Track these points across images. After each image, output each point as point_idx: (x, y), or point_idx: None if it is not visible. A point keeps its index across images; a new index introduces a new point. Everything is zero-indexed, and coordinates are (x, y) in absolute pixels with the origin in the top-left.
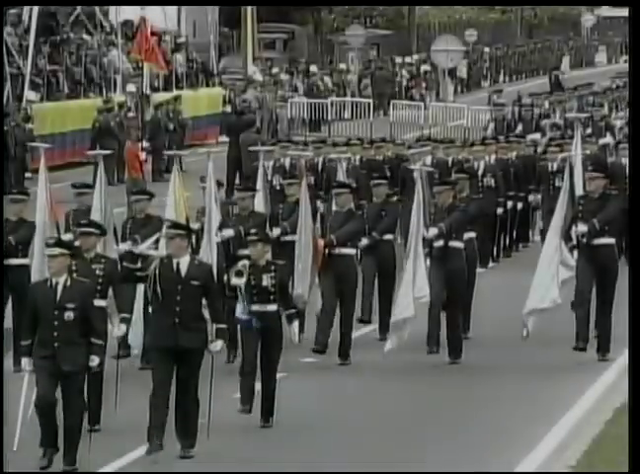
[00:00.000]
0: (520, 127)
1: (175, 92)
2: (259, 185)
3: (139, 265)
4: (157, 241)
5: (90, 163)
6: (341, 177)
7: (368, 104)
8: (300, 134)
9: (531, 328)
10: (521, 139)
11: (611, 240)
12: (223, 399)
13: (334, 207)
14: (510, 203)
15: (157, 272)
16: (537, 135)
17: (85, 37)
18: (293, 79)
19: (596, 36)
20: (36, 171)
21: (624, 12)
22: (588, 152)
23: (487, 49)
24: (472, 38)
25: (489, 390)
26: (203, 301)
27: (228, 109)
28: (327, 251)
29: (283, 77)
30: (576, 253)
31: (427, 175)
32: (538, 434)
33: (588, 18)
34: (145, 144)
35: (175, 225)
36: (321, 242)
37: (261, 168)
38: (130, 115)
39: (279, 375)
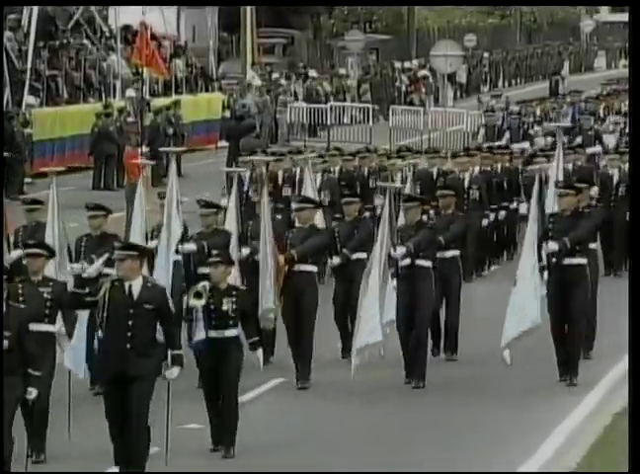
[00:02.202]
0: (507, 135)
1: (174, 97)
2: (231, 202)
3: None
4: (108, 261)
5: (89, 168)
6: (310, 190)
7: (368, 109)
8: (300, 139)
9: (510, 356)
10: (505, 150)
11: (583, 260)
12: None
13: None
14: (493, 216)
15: (107, 296)
16: (526, 144)
17: (84, 41)
18: (292, 84)
19: (595, 41)
20: (34, 176)
21: (623, 17)
22: (579, 163)
23: (486, 54)
24: (471, 43)
25: (485, 399)
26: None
27: (228, 114)
28: (287, 268)
29: (284, 82)
30: (546, 274)
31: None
32: (537, 440)
33: (587, 23)
34: (145, 149)
35: (125, 246)
36: (282, 258)
37: (235, 185)
38: (130, 120)
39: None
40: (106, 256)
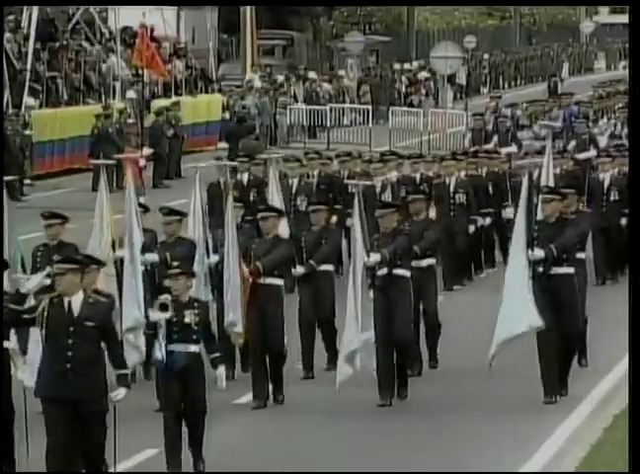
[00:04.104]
0: (495, 139)
1: (174, 98)
2: (196, 207)
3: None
4: (48, 276)
5: (89, 169)
6: (275, 198)
7: (367, 110)
8: (299, 141)
9: (495, 360)
10: (493, 155)
11: (570, 269)
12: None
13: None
14: (481, 220)
15: (46, 312)
16: (513, 148)
17: (84, 43)
18: (292, 86)
19: (594, 42)
20: (35, 177)
21: (623, 18)
22: (565, 167)
23: (486, 56)
24: (471, 44)
25: (482, 400)
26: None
27: (227, 115)
28: (252, 280)
29: (285, 83)
30: (531, 284)
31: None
32: (536, 441)
33: (587, 24)
34: (147, 151)
35: (65, 259)
36: (246, 270)
37: (197, 189)
38: (130, 121)
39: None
40: (47, 269)
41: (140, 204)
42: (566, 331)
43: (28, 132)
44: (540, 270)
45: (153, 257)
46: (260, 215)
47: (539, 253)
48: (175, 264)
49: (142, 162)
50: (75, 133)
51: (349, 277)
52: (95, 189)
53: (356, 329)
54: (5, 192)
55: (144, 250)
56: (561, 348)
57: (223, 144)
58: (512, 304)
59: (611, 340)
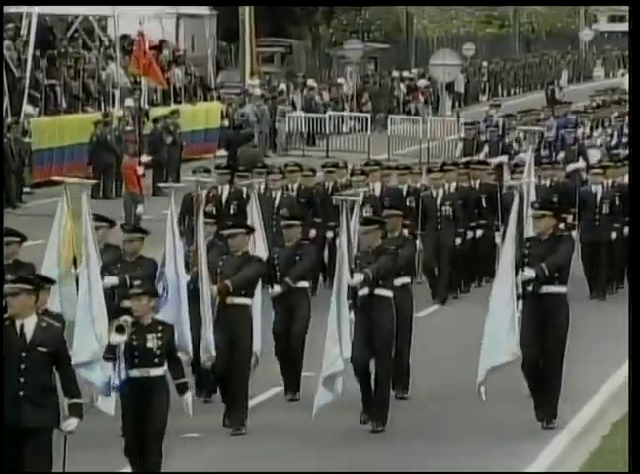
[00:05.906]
0: (485, 149)
1: (173, 106)
2: (171, 225)
3: None
4: None
5: (88, 177)
6: (254, 212)
7: (366, 118)
8: (298, 149)
9: (484, 392)
10: (484, 166)
11: (563, 289)
12: None
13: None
14: (471, 234)
15: None
16: (504, 158)
17: (83, 51)
18: (291, 93)
19: (593, 50)
20: (35, 185)
21: (622, 26)
22: (556, 179)
23: (485, 64)
24: (470, 52)
25: (481, 407)
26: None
27: (226, 123)
28: (219, 300)
29: (284, 89)
30: (521, 304)
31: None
32: (534, 450)
33: (586, 32)
34: (147, 158)
35: (18, 279)
36: (215, 289)
37: (172, 205)
38: (129, 129)
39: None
40: None
41: (105, 219)
42: (556, 353)
43: (27, 140)
44: (530, 289)
45: (112, 280)
46: (227, 232)
47: (530, 272)
48: (137, 283)
49: (141, 170)
50: (74, 141)
51: (331, 298)
52: (94, 196)
53: (338, 352)
54: None
55: (104, 270)
56: (552, 370)
57: (222, 152)
58: (496, 331)
59: (608, 351)
